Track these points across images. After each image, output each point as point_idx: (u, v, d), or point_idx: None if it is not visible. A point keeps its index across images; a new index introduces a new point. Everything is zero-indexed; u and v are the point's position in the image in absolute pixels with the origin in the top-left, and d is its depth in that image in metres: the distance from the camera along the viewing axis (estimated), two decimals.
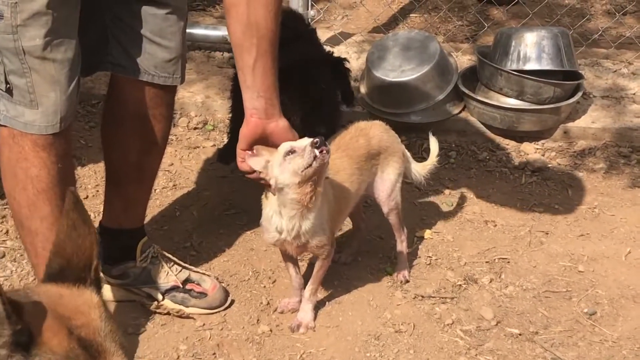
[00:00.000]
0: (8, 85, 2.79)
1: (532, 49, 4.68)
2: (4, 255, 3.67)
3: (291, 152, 3.02)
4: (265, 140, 3.04)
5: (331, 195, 3.28)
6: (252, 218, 3.92)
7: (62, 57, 2.79)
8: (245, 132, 3.02)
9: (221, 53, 5.29)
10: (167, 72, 3.16)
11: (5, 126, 2.87)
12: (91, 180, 4.21)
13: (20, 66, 2.76)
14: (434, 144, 3.86)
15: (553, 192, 4.40)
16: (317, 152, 2.99)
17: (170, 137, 4.54)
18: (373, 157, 3.48)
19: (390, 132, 3.61)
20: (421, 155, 4.54)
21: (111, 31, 3.09)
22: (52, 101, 2.81)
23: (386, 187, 3.55)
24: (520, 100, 4.68)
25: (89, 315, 1.67)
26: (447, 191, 4.36)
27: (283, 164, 3.03)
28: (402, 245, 3.69)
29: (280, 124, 3.03)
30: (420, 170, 3.75)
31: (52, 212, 2.92)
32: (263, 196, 3.24)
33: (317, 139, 3.00)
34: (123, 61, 3.13)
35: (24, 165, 2.88)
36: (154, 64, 3.13)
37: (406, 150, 3.71)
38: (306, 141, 3.04)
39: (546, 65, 4.67)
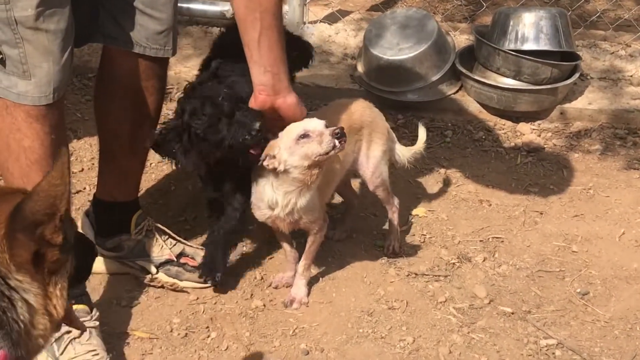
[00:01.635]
0: (1, 56, 2.78)
1: (530, 29, 4.67)
2: None
3: (304, 135, 3.01)
4: (274, 115, 3.05)
5: None
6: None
7: (54, 28, 2.78)
8: (254, 108, 3.02)
9: (219, 28, 5.26)
10: (158, 44, 3.15)
11: None
12: (87, 153, 4.20)
13: (13, 36, 2.74)
14: (422, 131, 3.85)
15: (548, 172, 4.40)
16: (336, 142, 2.99)
17: (167, 111, 4.56)
18: (355, 132, 3.45)
19: (374, 109, 3.60)
20: (416, 133, 4.52)
21: (102, 2, 3.07)
22: (45, 72, 2.80)
23: (371, 164, 3.53)
24: (518, 80, 4.67)
25: None
26: (442, 170, 4.36)
27: (294, 146, 3.03)
28: (393, 216, 3.68)
29: (288, 100, 3.03)
30: (404, 152, 3.74)
31: None
32: (253, 173, 3.23)
33: (338, 129, 3.00)
34: (114, 33, 3.13)
35: (17, 136, 2.87)
36: (145, 35, 3.12)
37: (391, 130, 3.69)
38: (317, 124, 3.04)
39: (544, 45, 4.66)
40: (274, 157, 3.06)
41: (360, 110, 3.51)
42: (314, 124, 3.04)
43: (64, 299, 1.84)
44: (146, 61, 3.18)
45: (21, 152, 2.88)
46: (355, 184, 3.93)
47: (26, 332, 1.75)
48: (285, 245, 3.46)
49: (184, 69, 4.88)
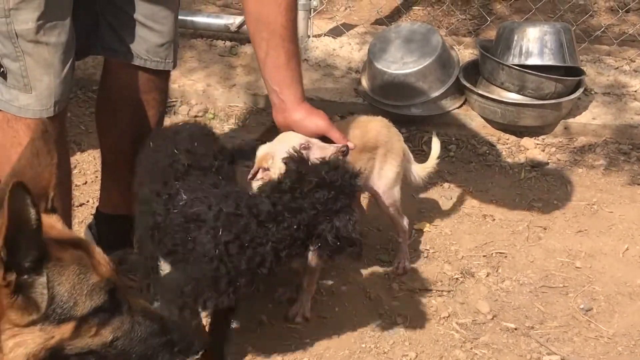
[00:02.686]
0: (2, 69, 2.79)
1: (534, 44, 4.67)
2: None
3: (306, 147, 2.95)
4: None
5: None
6: None
7: (55, 41, 2.78)
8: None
9: (223, 42, 5.28)
10: (159, 57, 3.16)
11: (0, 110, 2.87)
12: (90, 166, 4.20)
13: (14, 50, 2.75)
14: (436, 145, 3.81)
15: (552, 187, 4.39)
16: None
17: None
18: (369, 151, 3.45)
19: (392, 129, 3.58)
20: (421, 148, 4.55)
21: (103, 15, 3.08)
22: (45, 85, 2.80)
23: (383, 183, 3.52)
24: (522, 95, 4.67)
25: (59, 226, 1.82)
26: (446, 184, 4.36)
27: None
28: (402, 236, 3.67)
29: (292, 117, 3.01)
30: (420, 172, 3.73)
31: None
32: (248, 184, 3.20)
33: (344, 148, 2.96)
34: (115, 45, 3.13)
35: (18, 149, 2.84)
36: (145, 48, 3.12)
37: (408, 150, 3.68)
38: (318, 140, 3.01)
39: (548, 60, 4.66)
40: (268, 169, 2.98)
41: (377, 129, 3.50)
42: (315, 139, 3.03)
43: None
44: (147, 74, 3.18)
45: None
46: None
47: None
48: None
49: (188, 82, 4.89)
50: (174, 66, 3.22)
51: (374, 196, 3.57)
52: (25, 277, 1.74)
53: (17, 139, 2.85)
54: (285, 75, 3.00)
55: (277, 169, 2.91)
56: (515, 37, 4.70)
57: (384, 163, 3.50)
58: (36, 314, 1.76)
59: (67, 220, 3.04)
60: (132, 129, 3.27)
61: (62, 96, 2.86)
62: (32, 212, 1.68)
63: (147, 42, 3.10)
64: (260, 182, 2.94)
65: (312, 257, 3.27)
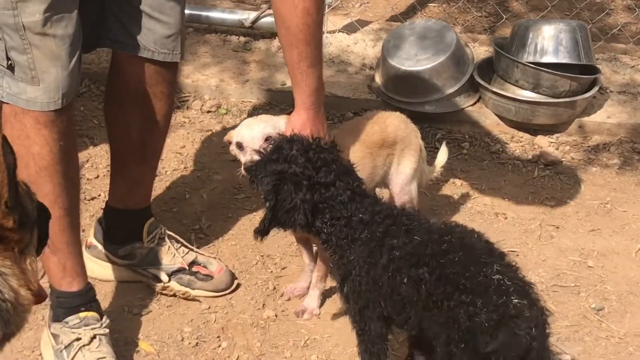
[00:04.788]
0: (9, 62, 2.78)
1: (549, 41, 4.64)
2: None
3: (268, 138, 3.02)
4: None
5: None
6: (261, 203, 3.92)
7: (62, 33, 2.78)
8: None
9: (237, 37, 5.26)
10: (166, 49, 3.15)
11: (7, 103, 2.86)
12: (102, 160, 4.20)
13: (21, 42, 2.75)
14: (443, 153, 3.81)
15: (565, 186, 4.36)
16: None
17: (183, 119, 4.58)
18: (388, 147, 3.43)
19: (409, 125, 3.56)
20: (434, 145, 4.53)
21: (109, 7, 3.07)
22: (53, 77, 2.80)
23: (400, 180, 3.51)
24: (536, 93, 4.64)
25: None
26: (458, 182, 4.33)
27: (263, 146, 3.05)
28: None
29: (294, 116, 3.08)
30: (427, 173, 3.73)
31: (53, 190, 2.92)
32: None
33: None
34: (122, 37, 3.12)
35: (25, 142, 2.87)
36: (153, 39, 3.11)
37: (424, 149, 3.66)
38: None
39: (563, 58, 4.63)
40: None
41: (396, 125, 3.49)
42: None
43: (36, 271, 2.00)
44: (155, 66, 3.17)
45: (30, 158, 2.88)
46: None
47: (14, 309, 1.89)
48: (305, 255, 3.44)
49: (202, 77, 4.88)
50: (182, 58, 3.21)
51: (391, 192, 3.55)
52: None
53: (25, 131, 2.85)
54: (294, 75, 3.03)
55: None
56: (531, 35, 4.67)
57: (402, 159, 3.49)
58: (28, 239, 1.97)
59: (75, 213, 3.03)
60: (140, 122, 3.26)
61: (70, 89, 2.85)
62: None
63: (154, 33, 3.10)
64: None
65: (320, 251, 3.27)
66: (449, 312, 2.52)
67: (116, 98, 3.27)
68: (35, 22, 2.72)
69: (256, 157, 3.00)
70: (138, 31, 3.08)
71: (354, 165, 3.05)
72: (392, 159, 3.47)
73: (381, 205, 2.80)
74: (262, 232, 2.81)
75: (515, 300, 2.49)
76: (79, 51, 2.87)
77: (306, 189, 2.70)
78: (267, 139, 3.05)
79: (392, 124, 3.47)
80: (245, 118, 4.65)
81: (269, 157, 2.76)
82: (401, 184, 3.52)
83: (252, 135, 3.15)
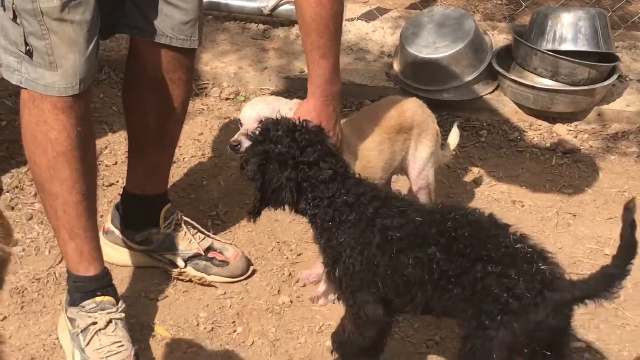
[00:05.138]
0: (28, 47, 2.81)
1: (568, 29, 4.62)
2: (31, 218, 3.71)
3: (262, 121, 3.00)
4: None
5: (351, 163, 3.23)
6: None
7: (80, 19, 2.80)
8: None
9: (256, 25, 5.28)
10: (184, 35, 3.16)
11: (25, 89, 2.89)
12: (121, 147, 4.22)
13: (39, 28, 2.77)
14: (454, 135, 3.79)
15: (583, 174, 4.35)
16: None
17: (201, 106, 4.60)
18: (405, 131, 3.44)
19: (426, 110, 3.56)
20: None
21: None
22: (71, 63, 2.82)
23: (417, 164, 3.51)
24: (555, 80, 4.62)
25: None
26: (476, 169, 4.33)
27: None
28: None
29: (301, 104, 3.09)
30: (440, 157, 3.72)
31: (71, 175, 2.94)
32: None
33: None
34: (140, 23, 3.13)
35: (43, 128, 2.89)
36: (170, 26, 3.12)
37: (439, 134, 3.66)
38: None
39: (582, 46, 4.61)
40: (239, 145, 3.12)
41: (413, 109, 3.49)
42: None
43: None
44: (172, 52, 3.19)
45: (48, 144, 2.90)
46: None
47: None
48: None
49: (220, 65, 4.89)
50: (199, 44, 3.22)
51: (408, 177, 3.55)
52: None
53: (43, 117, 2.87)
54: (308, 63, 3.04)
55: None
56: (549, 23, 4.65)
57: (419, 144, 3.49)
58: None
59: (93, 199, 3.05)
60: (157, 108, 3.28)
61: (87, 74, 2.87)
62: None
63: (172, 19, 3.11)
64: None
65: None
66: (475, 286, 2.52)
67: (134, 84, 3.28)
68: (53, 7, 2.74)
69: (244, 137, 3.05)
70: (155, 17, 3.09)
71: (371, 150, 3.08)
72: (409, 144, 3.47)
73: (365, 186, 2.80)
74: (253, 213, 2.83)
75: (544, 267, 2.52)
76: (97, 37, 2.88)
77: (291, 168, 2.72)
78: (261, 121, 3.03)
79: (409, 108, 3.47)
80: None
81: (256, 138, 2.79)
82: (418, 168, 3.52)
83: (249, 114, 3.21)
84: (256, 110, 3.22)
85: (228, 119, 4.58)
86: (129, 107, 3.35)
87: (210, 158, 4.25)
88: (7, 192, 3.84)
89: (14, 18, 2.78)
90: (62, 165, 2.91)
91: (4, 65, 2.90)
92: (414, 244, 2.63)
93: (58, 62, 2.81)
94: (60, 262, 3.48)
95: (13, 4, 2.75)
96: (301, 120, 2.81)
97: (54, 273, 3.45)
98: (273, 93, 4.80)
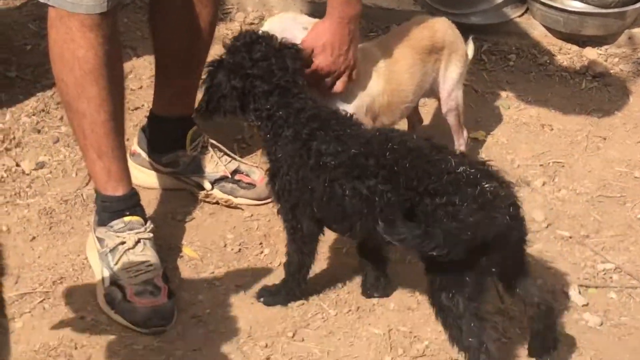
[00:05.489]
0: None
1: None
2: (57, 140, 3.70)
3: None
4: None
5: (379, 88, 3.21)
6: None
7: None
8: None
9: None
10: None
11: (53, 7, 2.85)
12: (146, 71, 4.18)
13: None
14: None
15: (613, 98, 4.29)
16: None
17: (225, 32, 4.54)
18: (437, 52, 3.39)
19: (455, 30, 3.49)
20: (480, 57, 4.46)
21: None
22: None
23: (447, 85, 3.46)
24: (585, 3, 4.54)
25: None
26: (504, 94, 4.27)
27: None
28: (459, 148, 3.61)
29: (317, 23, 3.07)
30: None
31: (99, 94, 2.92)
32: None
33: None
34: None
35: (71, 46, 2.87)
36: None
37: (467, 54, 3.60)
38: None
39: None
40: None
41: (443, 30, 3.43)
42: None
43: None
44: None
45: (75, 62, 2.88)
46: None
47: None
48: None
49: None
50: None
51: (439, 99, 3.51)
52: None
53: (70, 35, 2.84)
54: None
55: None
56: None
57: (449, 64, 3.44)
58: None
59: (120, 118, 3.04)
60: (186, 29, 3.24)
61: None
62: None
63: None
64: None
65: None
66: (427, 219, 2.48)
67: (161, 5, 3.24)
68: None
69: None
70: None
71: (403, 73, 3.07)
72: (440, 64, 3.42)
73: (306, 103, 2.81)
74: (199, 112, 2.94)
75: (487, 185, 2.49)
76: None
77: (239, 78, 2.78)
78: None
79: (440, 28, 3.41)
80: None
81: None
82: (448, 89, 3.48)
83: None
84: (268, 27, 3.16)
85: None
86: (156, 28, 3.32)
87: None
88: (33, 115, 3.82)
89: None
90: (89, 83, 2.89)
91: None
92: (350, 175, 2.62)
93: None
94: (87, 184, 3.48)
95: None
96: (277, 37, 2.87)
97: (82, 195, 3.44)
98: None
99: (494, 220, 2.44)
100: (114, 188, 3.04)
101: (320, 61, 3.02)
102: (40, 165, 3.56)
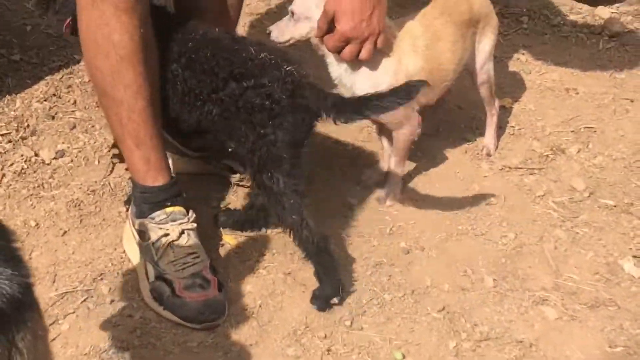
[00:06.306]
0: None
1: None
2: (74, 127, 3.53)
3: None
4: None
5: (417, 66, 3.08)
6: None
7: None
8: None
9: None
10: None
11: None
12: None
13: None
14: None
15: (633, 57, 4.21)
16: None
17: None
18: (474, 25, 3.26)
19: (488, 0, 3.38)
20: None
21: None
22: None
23: (481, 58, 3.35)
24: None
25: None
26: (523, 57, 4.18)
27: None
28: (492, 119, 3.52)
29: None
30: None
31: (135, 80, 2.77)
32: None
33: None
34: None
35: (105, 30, 2.71)
36: None
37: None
38: None
39: None
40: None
41: (480, 1, 3.29)
42: None
43: None
44: None
45: (110, 47, 2.72)
46: None
47: None
48: (382, 139, 3.32)
49: None
50: None
51: (471, 73, 3.39)
52: None
53: (104, 19, 2.68)
54: None
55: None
56: None
57: (483, 36, 3.32)
58: None
59: (157, 104, 2.88)
60: (214, 7, 3.13)
61: None
62: None
63: None
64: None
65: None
66: (237, 103, 2.73)
67: None
68: None
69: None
70: None
71: (445, 52, 3.14)
72: (475, 37, 3.30)
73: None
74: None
75: (289, 67, 2.73)
76: None
77: None
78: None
79: (477, 1, 3.28)
80: None
81: None
82: (481, 62, 3.37)
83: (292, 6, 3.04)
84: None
85: (259, 15, 4.39)
86: (183, 10, 3.16)
87: None
88: (45, 100, 3.65)
89: None
90: (126, 69, 2.73)
91: None
92: (166, 62, 2.85)
93: None
94: (111, 172, 3.33)
95: None
96: None
97: (109, 184, 3.29)
98: None
99: (304, 100, 2.70)
100: (154, 178, 2.89)
101: (342, 26, 2.88)
102: (61, 154, 3.39)
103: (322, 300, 2.83)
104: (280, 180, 2.72)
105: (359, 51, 2.94)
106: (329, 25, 2.90)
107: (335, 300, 2.83)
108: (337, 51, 2.95)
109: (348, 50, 2.94)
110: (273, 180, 2.72)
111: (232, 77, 2.74)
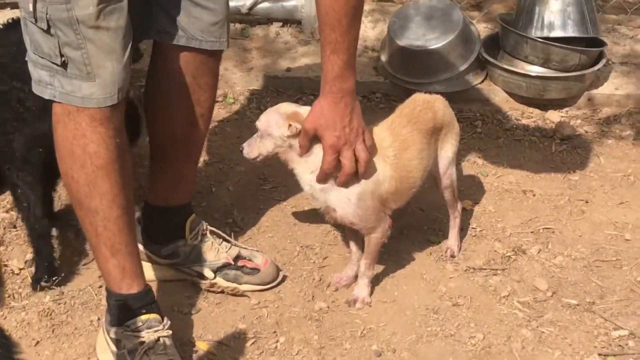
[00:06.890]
0: (63, 59, 2.67)
1: (557, 15, 4.62)
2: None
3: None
4: None
5: (386, 174, 3.17)
6: (289, 192, 3.87)
7: (115, 25, 2.68)
8: None
9: (233, 24, 5.15)
10: (213, 37, 3.06)
11: (59, 103, 2.75)
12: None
13: (75, 37, 2.64)
14: None
15: (584, 160, 4.35)
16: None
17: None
18: (437, 133, 3.37)
19: (450, 108, 3.49)
20: None
21: None
22: (109, 71, 2.70)
23: (444, 163, 3.45)
24: (546, 67, 4.62)
25: None
26: (479, 161, 4.30)
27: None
28: (455, 222, 3.60)
29: (314, 103, 3.01)
30: None
31: (111, 189, 2.81)
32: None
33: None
34: (168, 27, 3.02)
35: (81, 142, 2.76)
36: (200, 28, 3.02)
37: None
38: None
39: (571, 32, 4.61)
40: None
41: (443, 109, 3.41)
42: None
43: None
44: (201, 56, 3.09)
45: (86, 158, 2.77)
46: None
47: None
48: (352, 244, 3.38)
49: None
50: (228, 45, 3.13)
51: (435, 178, 3.48)
52: None
53: (80, 130, 2.74)
54: (321, 57, 2.95)
55: None
56: (537, 10, 4.64)
57: (445, 143, 3.43)
58: None
59: (131, 212, 2.92)
60: (184, 115, 3.17)
61: (124, 82, 2.75)
62: None
63: (201, 21, 3.00)
64: None
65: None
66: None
67: (159, 91, 3.16)
68: (89, 15, 2.61)
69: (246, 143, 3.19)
70: (184, 20, 2.99)
71: (412, 160, 3.23)
72: (437, 144, 3.41)
73: None
74: None
75: None
76: (131, 44, 2.76)
77: None
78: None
79: (440, 108, 3.39)
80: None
81: None
82: (444, 167, 3.46)
83: (260, 122, 3.13)
84: (266, 118, 3.12)
85: (221, 122, 4.47)
86: (153, 115, 3.23)
87: (213, 164, 4.13)
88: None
89: (48, 29, 2.64)
90: (101, 179, 2.78)
91: (35, 80, 2.76)
92: None
93: (95, 71, 2.68)
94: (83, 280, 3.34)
95: (47, 14, 2.62)
96: None
97: (78, 292, 3.30)
98: (261, 94, 4.71)
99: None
100: (129, 286, 2.92)
101: (327, 140, 2.98)
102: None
103: (34, 282, 3.27)
104: (13, 173, 3.25)
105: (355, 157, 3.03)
106: (310, 143, 3.00)
107: (43, 283, 3.26)
108: (333, 167, 3.03)
109: (347, 158, 3.01)
110: (10, 173, 3.26)
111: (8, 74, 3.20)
